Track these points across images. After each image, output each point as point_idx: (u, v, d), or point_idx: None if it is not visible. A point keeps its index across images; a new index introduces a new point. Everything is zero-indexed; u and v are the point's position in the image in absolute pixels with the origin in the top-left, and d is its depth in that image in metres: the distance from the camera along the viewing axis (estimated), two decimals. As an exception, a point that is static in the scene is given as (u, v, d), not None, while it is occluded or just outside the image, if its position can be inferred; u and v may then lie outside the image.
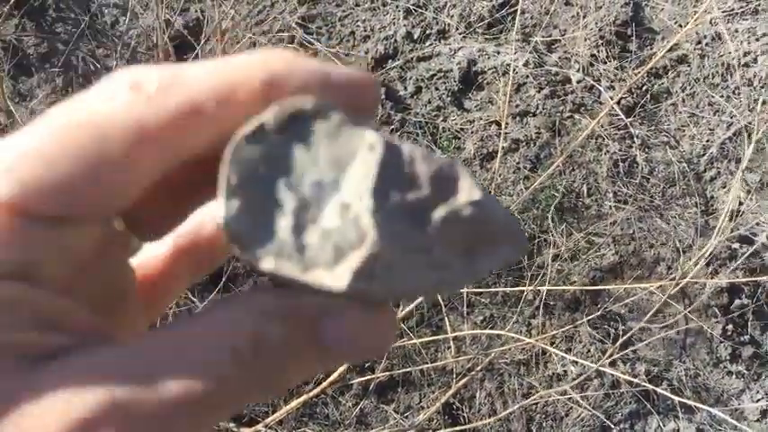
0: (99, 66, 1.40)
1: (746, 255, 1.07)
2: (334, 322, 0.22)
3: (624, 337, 0.90)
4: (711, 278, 1.20)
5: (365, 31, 1.69)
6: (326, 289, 0.21)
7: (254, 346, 0.21)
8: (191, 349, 0.20)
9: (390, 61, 1.62)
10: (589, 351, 1.27)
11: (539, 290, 1.08)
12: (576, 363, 1.05)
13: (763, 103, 1.50)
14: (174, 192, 0.25)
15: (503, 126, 1.03)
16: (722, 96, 1.58)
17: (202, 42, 1.23)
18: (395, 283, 0.22)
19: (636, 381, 1.02)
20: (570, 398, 1.09)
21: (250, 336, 0.21)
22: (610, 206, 1.50)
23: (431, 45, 1.69)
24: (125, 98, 0.21)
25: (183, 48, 1.36)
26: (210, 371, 0.19)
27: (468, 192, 0.22)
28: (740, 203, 1.42)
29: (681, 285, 0.84)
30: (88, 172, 0.22)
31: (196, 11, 1.47)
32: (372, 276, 0.22)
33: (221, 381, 0.20)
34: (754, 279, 1.13)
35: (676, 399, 0.97)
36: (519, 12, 1.01)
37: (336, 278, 0.21)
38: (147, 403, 0.19)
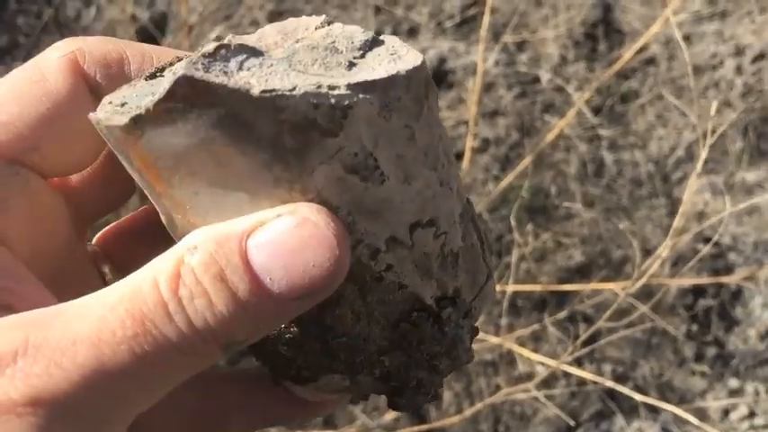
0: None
1: (700, 254, 1.07)
2: (261, 233, 0.24)
3: (584, 336, 0.90)
4: (672, 278, 1.21)
5: (335, 28, 1.68)
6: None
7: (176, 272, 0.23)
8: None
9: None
10: (556, 351, 1.27)
11: (504, 290, 1.08)
12: (543, 364, 1.05)
13: (726, 105, 1.52)
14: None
15: (470, 125, 1.03)
16: (689, 98, 1.59)
17: (169, 36, 1.21)
18: (274, 82, 0.25)
19: (601, 380, 1.03)
20: (537, 398, 1.09)
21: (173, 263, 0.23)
22: (578, 207, 1.50)
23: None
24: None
25: (149, 42, 1.34)
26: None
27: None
28: (704, 205, 1.43)
29: (638, 286, 0.84)
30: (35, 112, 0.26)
31: (162, 4, 1.45)
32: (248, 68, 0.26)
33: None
34: (716, 280, 1.14)
35: (641, 398, 0.97)
36: (488, 11, 1.01)
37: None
38: None
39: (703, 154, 0.69)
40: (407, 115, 0.27)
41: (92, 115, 0.26)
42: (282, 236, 0.24)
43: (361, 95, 0.26)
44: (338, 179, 0.26)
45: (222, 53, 0.26)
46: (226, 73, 0.25)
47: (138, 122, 0.25)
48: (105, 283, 0.29)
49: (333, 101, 0.25)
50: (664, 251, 0.75)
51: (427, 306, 0.29)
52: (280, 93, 0.26)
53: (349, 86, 0.25)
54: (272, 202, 0.26)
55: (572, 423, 1.09)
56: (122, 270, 0.31)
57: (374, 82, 0.26)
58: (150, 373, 0.22)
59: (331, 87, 0.26)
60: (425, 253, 0.29)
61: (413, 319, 0.30)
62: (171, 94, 0.25)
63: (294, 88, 0.25)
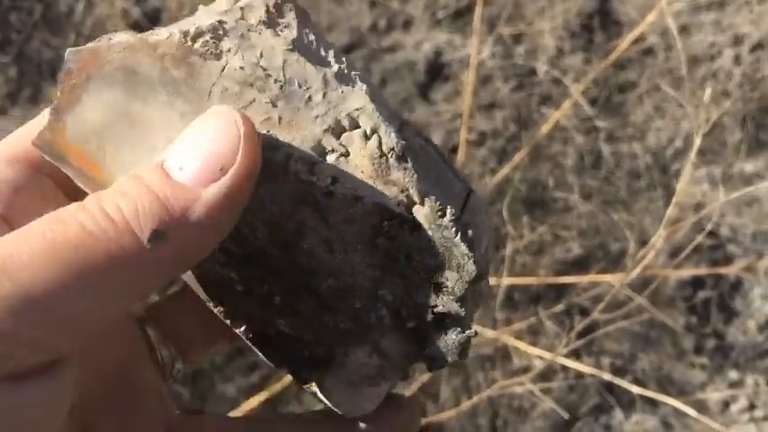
0: (55, 56, 1.37)
1: (695, 242, 1.07)
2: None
3: (579, 326, 0.89)
4: (670, 269, 1.20)
5: (330, 21, 1.67)
6: None
7: None
8: None
9: (354, 50, 1.60)
10: (553, 345, 1.26)
11: (499, 283, 1.07)
12: (540, 357, 1.04)
13: (724, 95, 1.50)
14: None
15: (464, 117, 1.02)
16: (688, 89, 1.58)
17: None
18: None
19: (598, 372, 1.02)
20: (533, 392, 1.08)
21: None
22: (575, 199, 1.49)
23: (397, 37, 1.67)
24: None
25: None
26: None
27: None
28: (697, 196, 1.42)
29: (633, 276, 0.84)
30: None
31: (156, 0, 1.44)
32: None
33: None
34: (714, 270, 1.13)
35: (638, 390, 0.97)
36: (481, 2, 1.00)
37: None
38: None
39: (697, 141, 0.69)
40: (283, 26, 0.30)
41: (33, 140, 0.28)
42: (187, 134, 0.26)
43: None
44: (236, 94, 0.29)
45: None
46: (109, 38, 0.29)
47: (56, 113, 0.28)
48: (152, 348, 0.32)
49: (205, 27, 0.29)
50: (658, 241, 0.74)
51: (396, 214, 0.29)
52: (149, 33, 0.29)
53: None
54: None
55: (566, 416, 1.08)
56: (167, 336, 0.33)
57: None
58: (90, 276, 0.22)
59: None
60: (363, 155, 0.29)
61: (386, 231, 0.29)
62: (68, 72, 0.28)
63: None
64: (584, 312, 1.31)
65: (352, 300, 0.30)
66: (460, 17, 1.67)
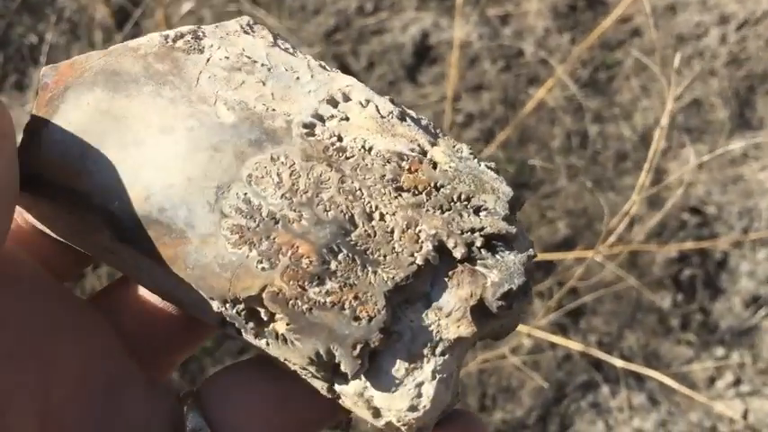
0: (40, 40, 1.36)
1: (661, 209, 1.07)
2: None
3: (557, 296, 0.89)
4: (658, 246, 1.21)
5: (316, 4, 1.67)
6: None
7: None
8: None
9: (341, 33, 1.60)
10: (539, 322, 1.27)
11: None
12: (528, 335, 1.05)
13: (711, 74, 1.51)
14: None
15: (449, 98, 1.02)
16: (674, 68, 1.59)
17: (138, 13, 1.20)
18: None
19: (584, 349, 1.03)
20: (521, 370, 1.09)
21: None
22: (562, 180, 1.50)
23: (383, 19, 1.67)
24: None
25: (126, 19, 1.33)
26: None
27: None
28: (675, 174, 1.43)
29: (608, 245, 0.84)
30: None
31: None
32: None
33: None
34: (700, 245, 1.14)
35: (625, 365, 0.97)
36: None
37: None
38: None
39: (669, 106, 0.69)
40: (259, 36, 0.31)
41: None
42: None
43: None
44: (225, 78, 0.29)
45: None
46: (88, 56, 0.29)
47: (32, 130, 0.28)
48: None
49: (185, 30, 0.29)
50: (632, 207, 0.74)
51: (413, 154, 0.29)
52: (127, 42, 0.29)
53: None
54: (181, 119, 0.28)
55: (545, 385, 1.09)
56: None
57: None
58: None
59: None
60: (364, 117, 0.29)
61: (407, 169, 0.28)
62: (43, 87, 0.28)
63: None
64: (570, 290, 1.32)
65: (389, 244, 0.27)
66: (447, -1, 1.67)
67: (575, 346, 0.94)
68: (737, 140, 1.50)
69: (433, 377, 0.27)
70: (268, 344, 0.28)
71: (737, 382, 1.31)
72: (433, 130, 0.31)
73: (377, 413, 0.28)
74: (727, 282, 1.38)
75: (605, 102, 1.59)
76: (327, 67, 0.31)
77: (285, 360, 0.28)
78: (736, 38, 1.64)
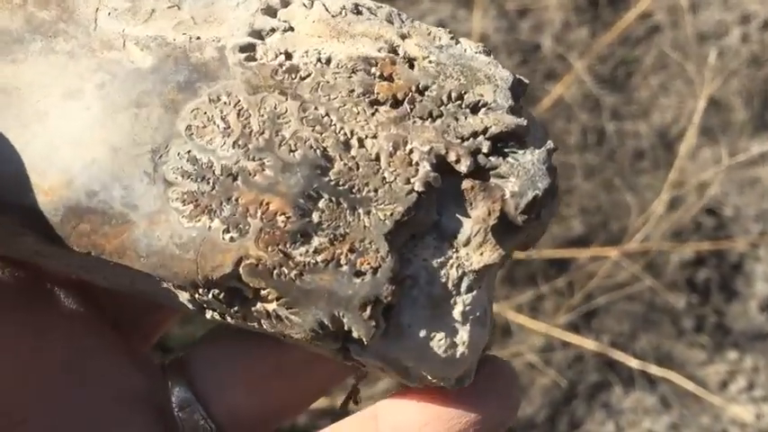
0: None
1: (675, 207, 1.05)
2: None
3: (578, 297, 0.88)
4: (674, 246, 1.19)
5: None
6: None
7: None
8: None
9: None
10: (553, 321, 1.26)
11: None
12: (536, 332, 1.04)
13: (732, 74, 1.48)
14: None
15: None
16: (691, 67, 1.56)
17: None
18: None
19: (599, 351, 1.01)
20: (534, 367, 1.08)
21: None
22: (578, 177, 1.48)
23: (400, 8, 1.65)
24: None
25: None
26: None
27: None
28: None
29: (632, 248, 0.83)
30: None
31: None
32: None
33: None
34: (717, 246, 1.12)
35: (639, 365, 0.96)
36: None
37: None
38: None
39: (701, 104, 0.67)
40: None
41: None
42: None
43: None
44: (128, 10, 0.24)
45: None
46: None
47: None
48: None
49: None
50: (658, 207, 0.72)
51: (382, 56, 0.23)
52: None
53: None
54: (87, 75, 0.23)
55: (563, 383, 1.08)
56: None
57: None
58: None
59: None
60: (312, 21, 0.24)
61: (379, 76, 0.23)
62: None
63: None
64: (585, 288, 1.30)
65: (377, 175, 0.22)
66: (465, -10, 1.65)
67: (590, 345, 0.93)
68: (757, 142, 1.48)
69: (465, 319, 0.23)
70: (261, 324, 0.23)
71: (751, 387, 1.29)
72: (399, 18, 0.25)
73: (407, 373, 0.24)
74: (742, 285, 1.37)
75: (623, 99, 1.57)
76: None
77: (285, 337, 0.23)
78: (758, 38, 1.61)
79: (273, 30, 0.24)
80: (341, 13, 0.24)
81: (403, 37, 0.24)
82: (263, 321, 0.23)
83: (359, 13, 0.24)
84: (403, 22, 0.25)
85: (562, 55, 1.60)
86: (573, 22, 1.64)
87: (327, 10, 0.24)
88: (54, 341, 0.26)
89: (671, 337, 1.32)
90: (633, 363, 0.96)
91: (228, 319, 0.24)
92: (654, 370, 0.96)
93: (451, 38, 0.24)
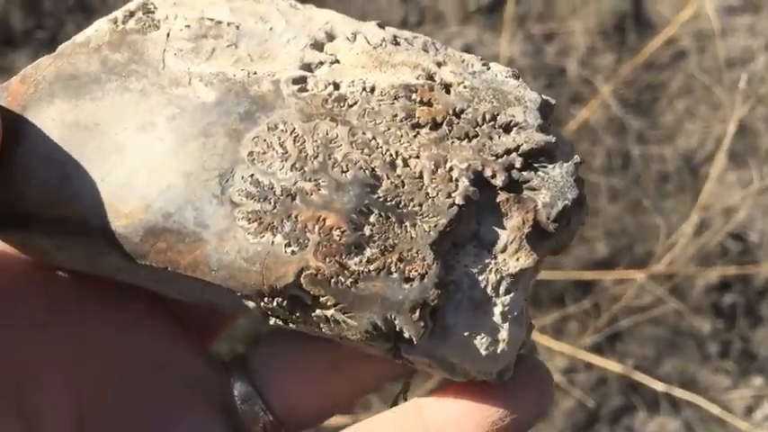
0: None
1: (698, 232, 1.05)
2: None
3: (603, 320, 0.88)
4: (699, 269, 1.19)
5: (360, 15, 1.67)
6: None
7: None
8: None
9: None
10: (577, 342, 1.25)
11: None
12: (561, 353, 1.03)
13: (758, 101, 1.48)
14: None
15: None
16: (719, 92, 1.57)
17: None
18: None
19: (623, 374, 1.01)
20: (558, 387, 1.07)
21: None
22: (602, 200, 1.48)
23: (427, 32, 1.67)
24: None
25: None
26: None
27: None
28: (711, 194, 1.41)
29: (658, 271, 0.83)
30: None
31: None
32: None
33: None
34: (743, 271, 1.12)
35: (665, 389, 0.95)
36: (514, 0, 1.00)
37: None
38: None
39: (731, 127, 0.68)
40: None
41: None
42: None
43: None
44: (192, 50, 0.26)
45: None
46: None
47: None
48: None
49: (134, 7, 0.28)
50: (687, 228, 0.73)
51: (421, 84, 0.26)
52: (74, 37, 0.28)
53: None
54: (159, 109, 0.26)
55: (590, 403, 1.07)
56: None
57: None
58: None
59: None
60: (356, 54, 0.27)
61: (419, 101, 0.25)
62: None
63: None
64: (610, 310, 1.30)
65: (421, 191, 0.25)
66: (491, 14, 1.67)
67: (615, 368, 0.93)
68: (783, 168, 1.48)
69: (504, 319, 0.25)
70: (320, 328, 0.26)
71: (777, 414, 1.28)
72: (434, 47, 0.27)
73: (452, 369, 0.26)
74: (767, 310, 1.36)
75: (649, 123, 1.58)
76: (298, 3, 0.29)
77: (341, 338, 0.26)
78: (785, 64, 1.61)
79: (322, 63, 0.26)
80: (381, 44, 0.27)
81: (439, 64, 0.26)
82: (322, 325, 0.26)
83: (397, 44, 0.27)
84: (438, 50, 0.27)
85: (588, 79, 1.61)
86: (599, 47, 1.65)
87: (369, 42, 0.27)
88: (134, 336, 0.28)
89: (696, 361, 1.31)
90: (658, 386, 0.96)
91: (290, 324, 0.26)
92: (678, 393, 0.96)
93: (483, 64, 0.27)
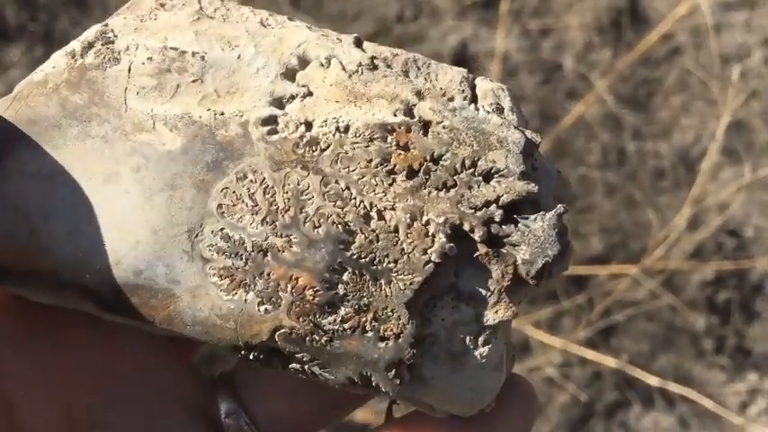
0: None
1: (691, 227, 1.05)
2: None
3: (597, 314, 0.88)
4: (694, 264, 1.19)
5: (356, 10, 1.67)
6: None
7: None
8: None
9: (380, 40, 1.60)
10: (571, 337, 1.25)
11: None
12: (553, 347, 1.03)
13: (753, 96, 1.48)
14: None
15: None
16: (715, 88, 1.57)
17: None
18: None
19: (617, 369, 1.01)
20: (553, 382, 1.07)
21: None
22: (597, 196, 1.48)
23: (423, 27, 1.67)
24: None
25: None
26: None
27: None
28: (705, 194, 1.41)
29: (651, 263, 0.83)
30: None
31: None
32: None
33: None
34: (738, 266, 1.12)
35: (659, 387, 0.96)
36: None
37: None
38: None
39: (725, 119, 0.68)
40: (180, 5, 0.28)
41: None
42: None
43: None
44: (155, 88, 0.25)
45: None
46: None
47: None
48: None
49: (92, 37, 0.27)
50: (680, 221, 0.73)
51: (398, 123, 0.24)
52: (32, 74, 0.27)
53: None
54: (123, 159, 0.24)
55: (583, 398, 1.07)
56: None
57: None
58: None
59: None
60: (329, 85, 0.25)
61: (395, 145, 0.24)
62: None
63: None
64: (604, 304, 1.30)
65: (396, 246, 0.24)
66: (487, 9, 1.67)
67: (609, 362, 0.93)
68: (779, 163, 1.48)
69: (483, 368, 0.25)
70: (298, 373, 0.26)
71: (771, 409, 1.28)
72: (415, 66, 0.26)
73: (432, 409, 0.26)
74: (762, 306, 1.36)
75: (644, 119, 1.58)
76: (270, 20, 0.27)
77: (322, 382, 0.26)
78: (780, 60, 1.61)
79: (293, 96, 0.25)
80: (357, 71, 0.25)
81: (419, 94, 0.25)
82: (300, 375, 0.25)
83: (375, 68, 0.25)
84: (419, 69, 0.26)
85: (584, 74, 1.61)
86: (595, 42, 1.65)
87: (344, 69, 0.25)
88: (119, 350, 0.28)
89: (690, 357, 1.31)
90: (653, 381, 0.96)
91: (270, 368, 0.26)
92: (673, 388, 0.96)
93: (464, 97, 0.25)
